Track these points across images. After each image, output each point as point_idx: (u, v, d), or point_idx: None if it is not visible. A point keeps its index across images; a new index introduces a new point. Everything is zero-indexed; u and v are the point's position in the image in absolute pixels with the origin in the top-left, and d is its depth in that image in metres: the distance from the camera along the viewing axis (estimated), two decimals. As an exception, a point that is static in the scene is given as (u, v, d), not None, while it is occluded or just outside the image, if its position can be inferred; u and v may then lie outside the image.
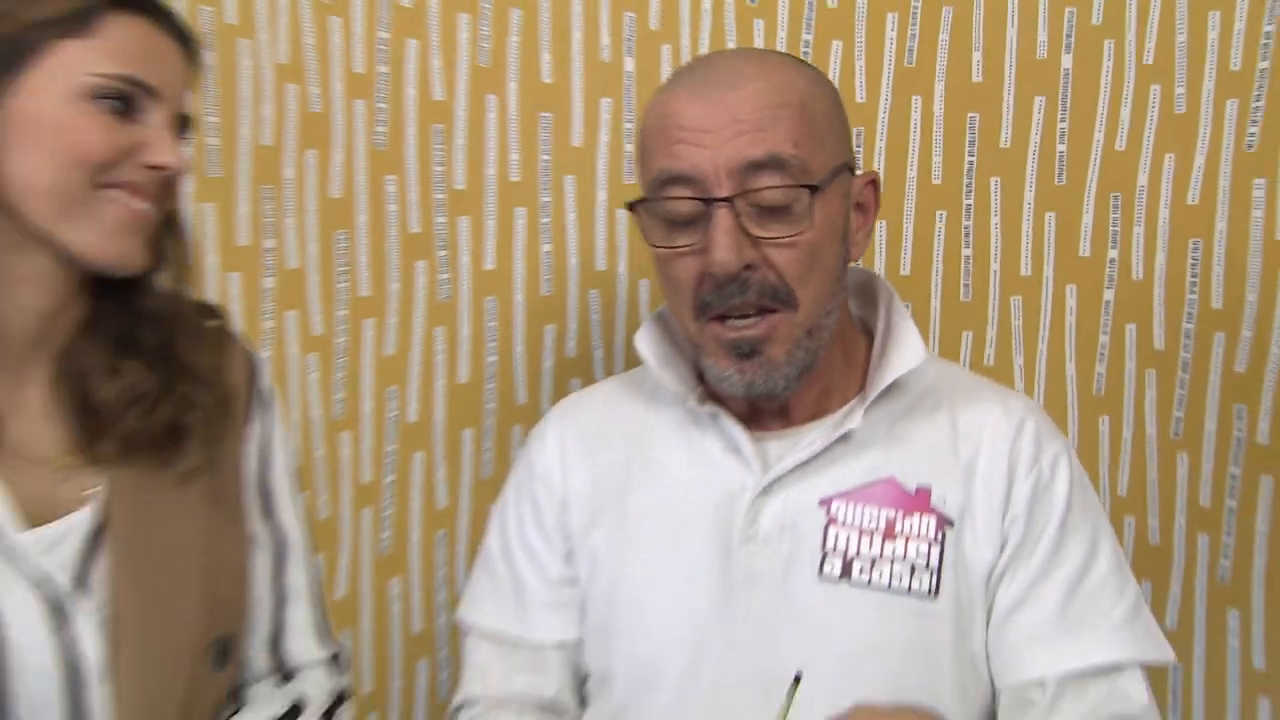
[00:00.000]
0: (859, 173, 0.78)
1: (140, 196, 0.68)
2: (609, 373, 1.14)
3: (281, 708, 0.75)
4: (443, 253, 1.10)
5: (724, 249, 0.71)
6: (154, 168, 0.67)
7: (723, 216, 0.71)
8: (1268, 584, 1.05)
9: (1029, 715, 0.73)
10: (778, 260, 0.72)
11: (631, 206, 0.76)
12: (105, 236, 0.67)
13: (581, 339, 1.14)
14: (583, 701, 0.85)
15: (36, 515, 0.68)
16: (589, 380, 1.13)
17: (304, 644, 0.80)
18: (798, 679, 0.64)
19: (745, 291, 0.72)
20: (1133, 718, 0.72)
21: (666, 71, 1.08)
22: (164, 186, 0.70)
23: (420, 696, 1.12)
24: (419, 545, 1.11)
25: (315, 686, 0.78)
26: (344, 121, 1.05)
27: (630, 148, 1.09)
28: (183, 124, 0.71)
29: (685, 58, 1.08)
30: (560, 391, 1.12)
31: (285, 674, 0.79)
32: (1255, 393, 1.04)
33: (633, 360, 1.11)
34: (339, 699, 0.79)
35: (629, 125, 1.09)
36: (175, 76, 0.70)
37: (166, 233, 0.74)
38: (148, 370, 0.73)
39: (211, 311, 0.80)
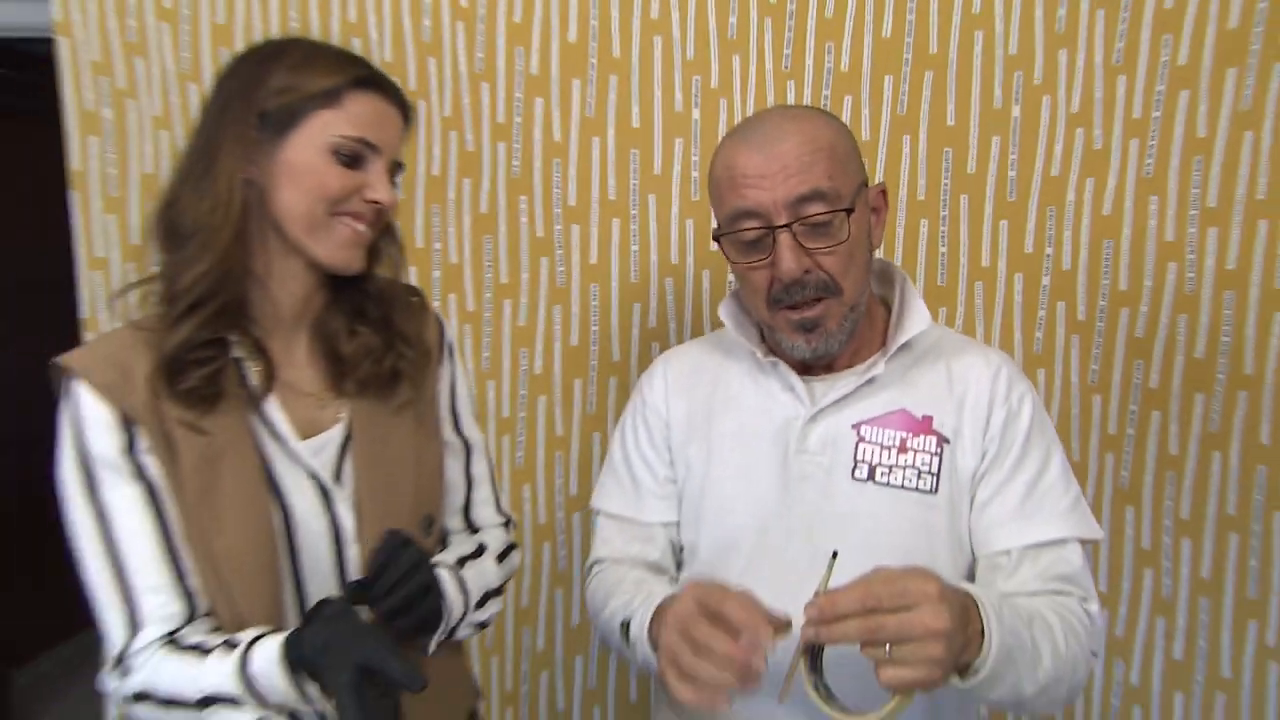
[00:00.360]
0: (872, 185, 0.93)
1: (361, 222, 0.83)
2: (679, 339, 1.42)
3: (470, 548, 0.96)
4: (559, 252, 1.39)
5: (788, 261, 0.84)
6: (371, 202, 0.83)
7: (785, 238, 0.84)
8: (1154, 490, 1.36)
9: (998, 575, 0.88)
10: (826, 263, 0.86)
11: (716, 239, 0.91)
12: (336, 249, 0.83)
13: (660, 314, 1.41)
14: (678, 566, 1.02)
15: (305, 431, 0.86)
16: (665, 344, 1.41)
17: (486, 512, 1.01)
18: (835, 555, 0.74)
19: (805, 289, 0.86)
20: (1071, 575, 0.87)
21: (723, 119, 1.36)
22: (378, 215, 0.85)
23: (544, 569, 1.45)
24: (543, 462, 1.44)
25: (494, 539, 0.99)
26: (489, 158, 1.36)
27: (696, 175, 1.37)
28: (395, 169, 0.87)
29: (737, 109, 1.36)
30: (644, 352, 1.42)
31: (473, 531, 1.00)
32: (1149, 352, 1.34)
33: (696, 329, 1.42)
34: (510, 547, 1.01)
35: (696, 159, 1.37)
36: (394, 136, 0.85)
37: (386, 239, 0.90)
38: (375, 334, 0.89)
39: (415, 291, 0.97)
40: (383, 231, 0.89)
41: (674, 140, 1.38)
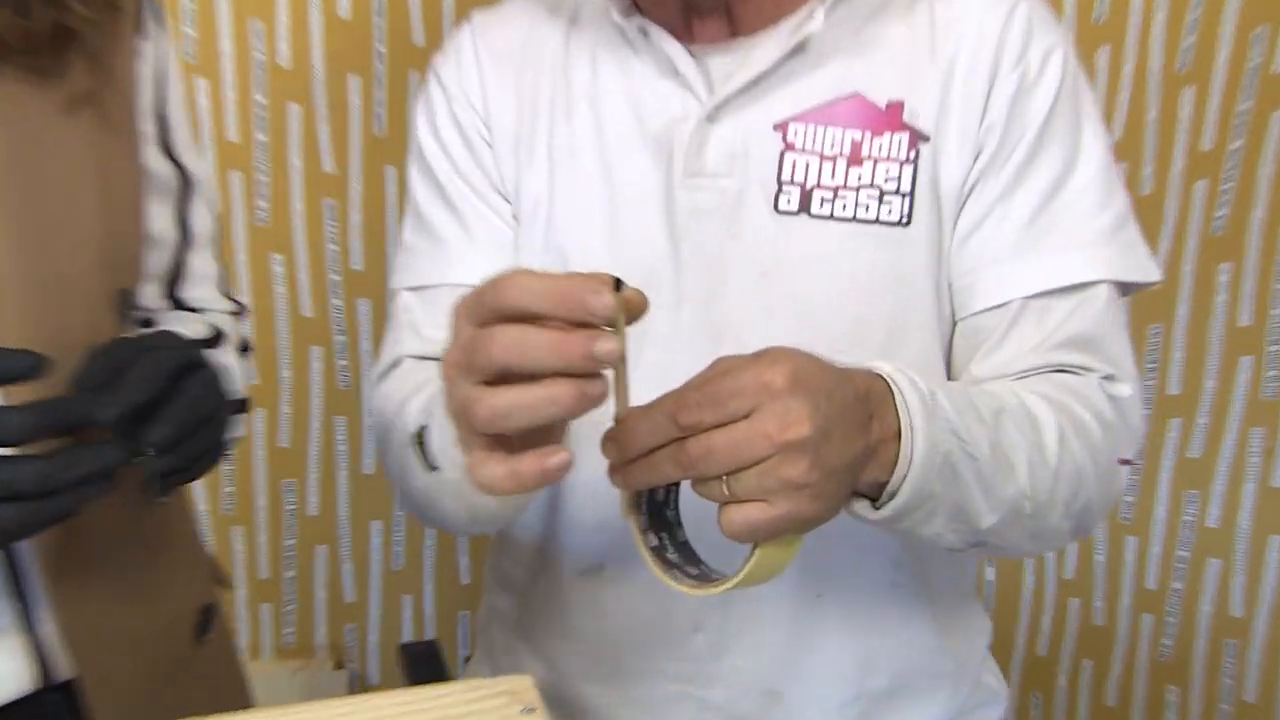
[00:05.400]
0: None
1: None
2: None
3: (206, 332, 0.64)
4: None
5: None
6: None
7: None
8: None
9: (981, 348, 0.60)
10: None
11: None
12: None
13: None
14: None
15: None
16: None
17: (207, 293, 0.68)
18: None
19: None
20: (1092, 339, 0.58)
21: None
22: None
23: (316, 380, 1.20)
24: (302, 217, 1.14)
25: (228, 325, 0.68)
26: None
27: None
28: None
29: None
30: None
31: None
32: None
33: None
34: (245, 345, 0.69)
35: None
36: None
37: None
38: None
39: None
40: None
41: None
